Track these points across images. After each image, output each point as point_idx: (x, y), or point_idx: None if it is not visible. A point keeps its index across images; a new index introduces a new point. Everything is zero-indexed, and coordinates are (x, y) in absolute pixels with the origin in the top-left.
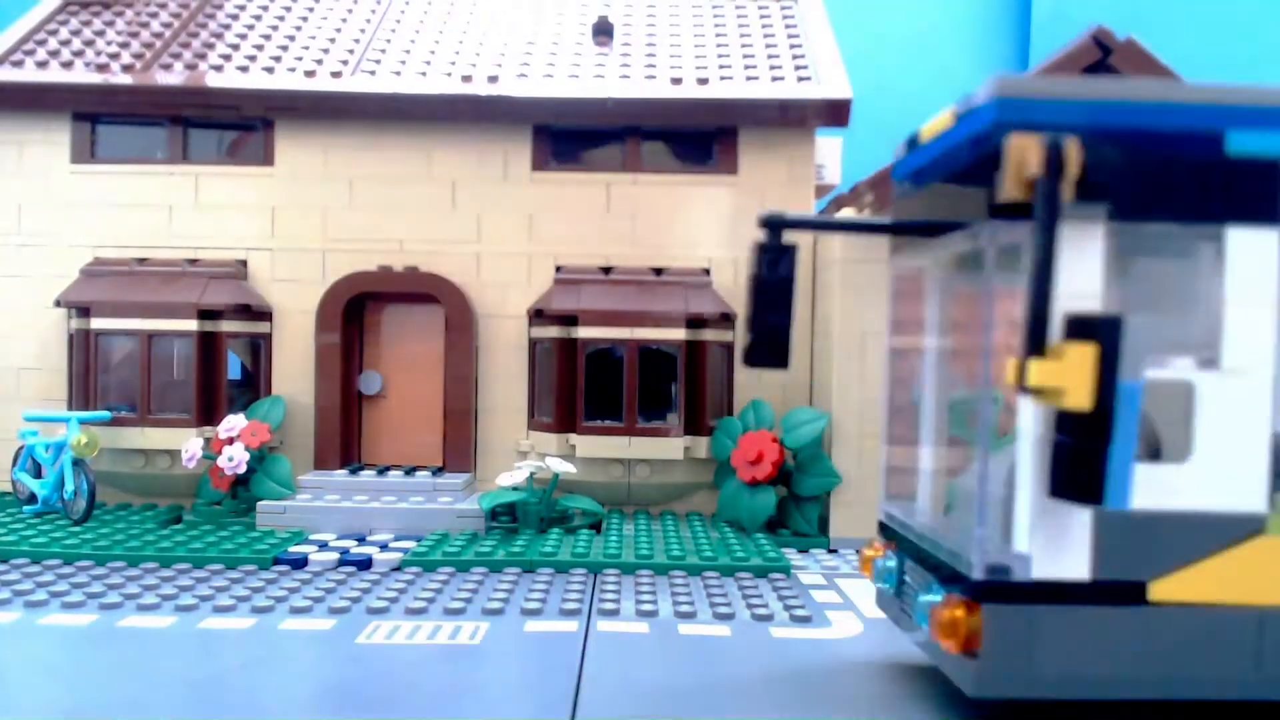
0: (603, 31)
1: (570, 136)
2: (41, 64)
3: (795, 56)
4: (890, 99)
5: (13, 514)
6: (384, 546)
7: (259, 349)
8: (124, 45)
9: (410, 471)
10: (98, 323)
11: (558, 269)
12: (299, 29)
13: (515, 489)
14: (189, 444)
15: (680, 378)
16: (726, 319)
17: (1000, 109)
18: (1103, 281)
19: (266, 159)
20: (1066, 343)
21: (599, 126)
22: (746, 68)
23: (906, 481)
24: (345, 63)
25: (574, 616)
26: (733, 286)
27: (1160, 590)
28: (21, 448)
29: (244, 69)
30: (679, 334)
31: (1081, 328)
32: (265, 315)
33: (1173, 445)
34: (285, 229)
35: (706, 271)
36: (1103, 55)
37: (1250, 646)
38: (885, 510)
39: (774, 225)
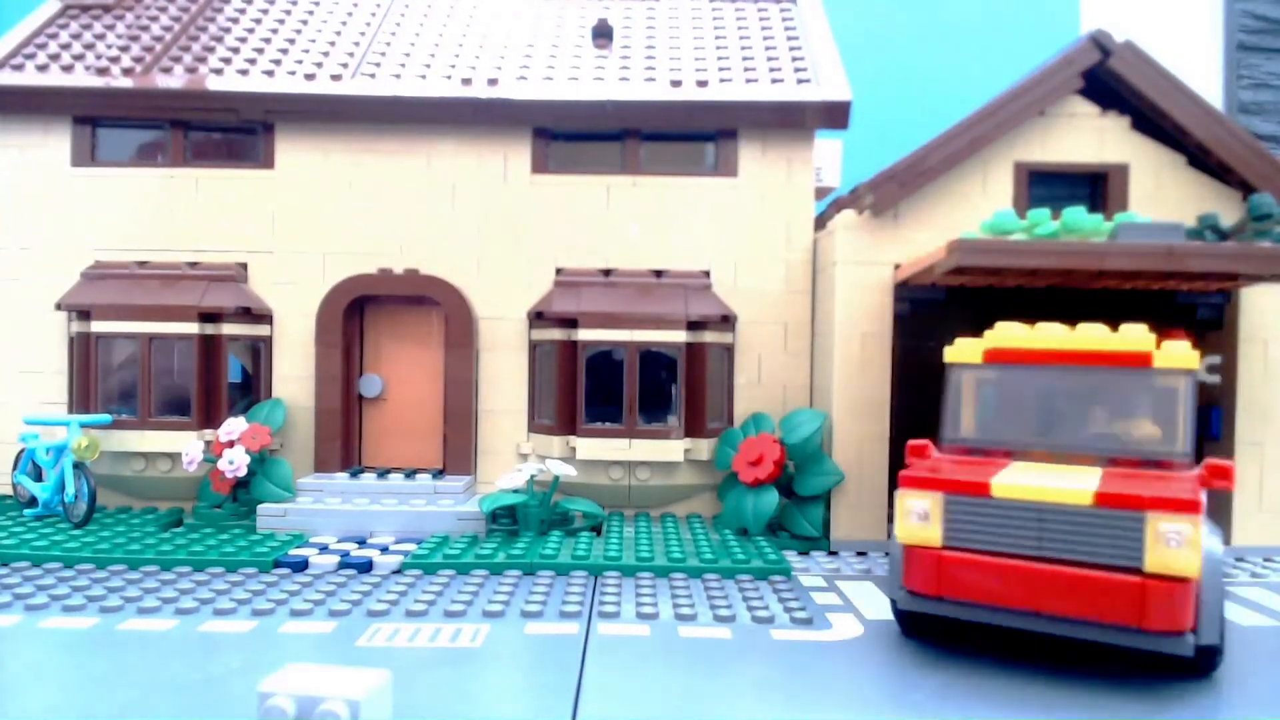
0: (602, 34)
1: (570, 138)
2: (42, 67)
3: (795, 59)
4: (890, 102)
5: (13, 517)
6: (384, 549)
7: (259, 352)
8: (124, 48)
9: (411, 474)
10: (98, 326)
11: (558, 271)
12: (299, 32)
13: (516, 492)
14: (189, 447)
15: (681, 380)
16: (726, 321)
17: None
18: None
19: (266, 162)
20: None
21: (599, 129)
22: (746, 70)
23: None
24: (345, 65)
25: (574, 619)
26: (732, 289)
27: None
28: (22, 451)
29: (244, 72)
30: (679, 336)
31: None
32: (265, 318)
33: None
34: (285, 231)
35: (706, 274)
36: (1102, 57)
37: None
38: None
39: None
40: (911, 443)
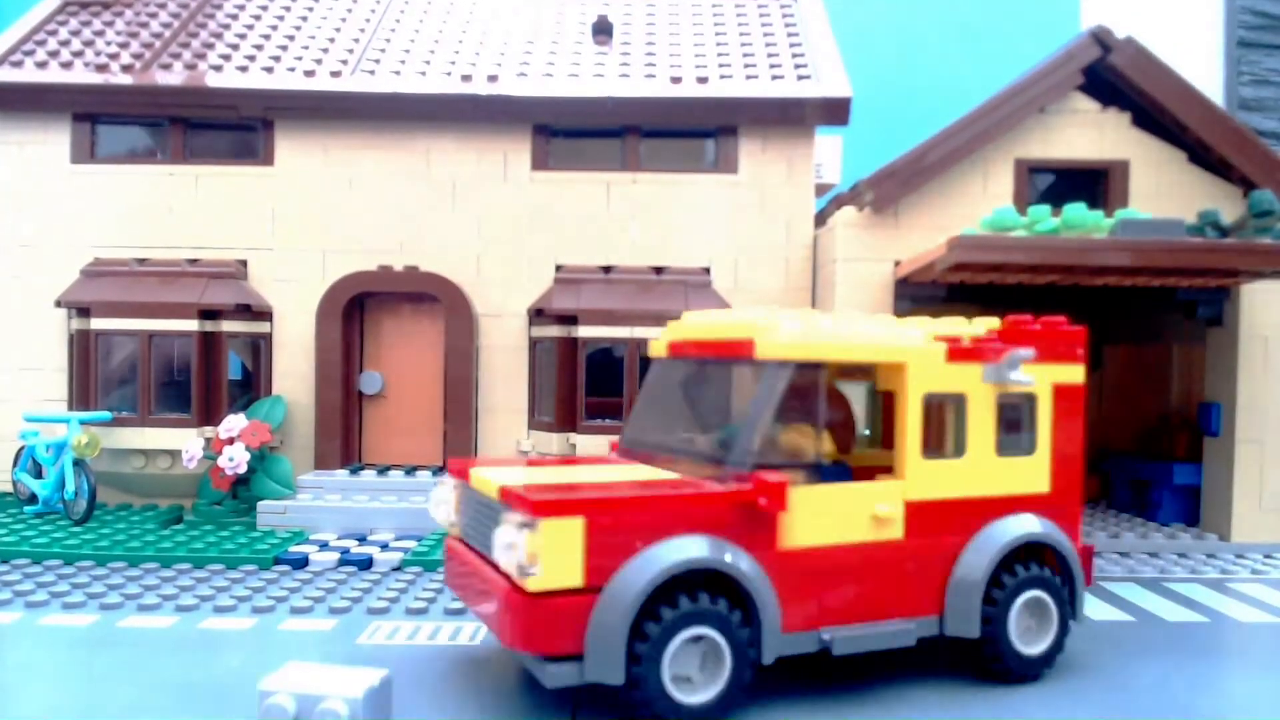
0: (602, 30)
1: (570, 135)
2: (41, 64)
3: (795, 55)
4: (890, 98)
5: (14, 514)
6: (384, 546)
7: (259, 349)
8: (123, 45)
9: (411, 471)
10: (98, 323)
11: (558, 268)
12: (298, 28)
13: None
14: (189, 444)
15: None
16: None
17: None
18: None
19: (266, 159)
20: None
21: (599, 126)
22: (746, 66)
23: None
24: (345, 62)
25: None
26: (733, 285)
27: None
28: (22, 448)
29: (243, 69)
30: None
31: None
32: (265, 315)
33: None
34: (285, 229)
35: (707, 271)
36: (1103, 53)
37: None
38: None
39: None
40: (614, 440)
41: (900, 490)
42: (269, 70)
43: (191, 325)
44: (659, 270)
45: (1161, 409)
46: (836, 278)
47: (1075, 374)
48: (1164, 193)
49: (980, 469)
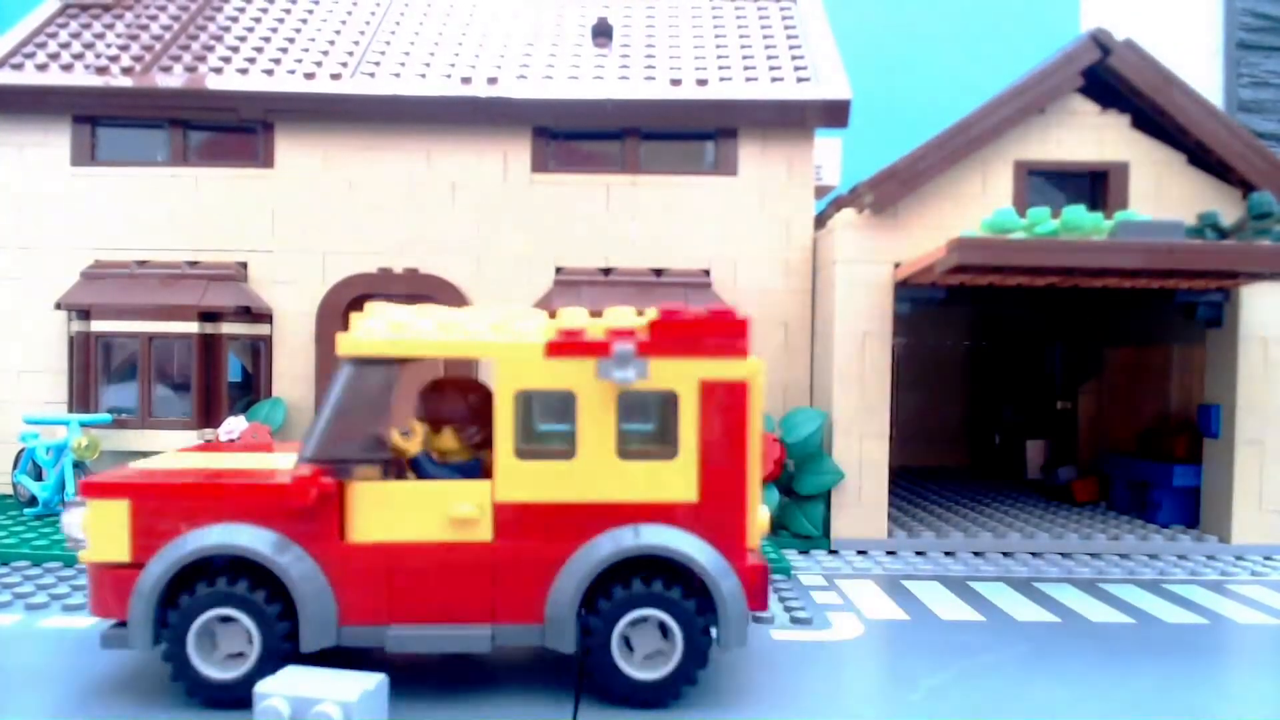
0: (602, 33)
1: (570, 138)
2: (41, 67)
3: (794, 57)
4: (890, 100)
5: (14, 516)
6: None
7: (259, 351)
8: (124, 48)
9: None
10: (98, 325)
11: (558, 270)
12: (299, 31)
13: None
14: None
15: None
16: None
17: None
18: None
19: (266, 161)
20: None
21: (598, 128)
22: (746, 69)
23: None
24: (345, 65)
25: None
26: (732, 287)
27: None
28: (22, 450)
29: (244, 71)
30: None
31: None
32: (265, 317)
33: None
34: (285, 231)
35: (706, 273)
36: (1102, 55)
37: None
38: None
39: None
40: None
41: (487, 491)
42: (269, 73)
43: (191, 327)
44: (659, 272)
45: (1161, 410)
46: (836, 280)
47: (735, 369)
48: (1163, 195)
49: (597, 473)
